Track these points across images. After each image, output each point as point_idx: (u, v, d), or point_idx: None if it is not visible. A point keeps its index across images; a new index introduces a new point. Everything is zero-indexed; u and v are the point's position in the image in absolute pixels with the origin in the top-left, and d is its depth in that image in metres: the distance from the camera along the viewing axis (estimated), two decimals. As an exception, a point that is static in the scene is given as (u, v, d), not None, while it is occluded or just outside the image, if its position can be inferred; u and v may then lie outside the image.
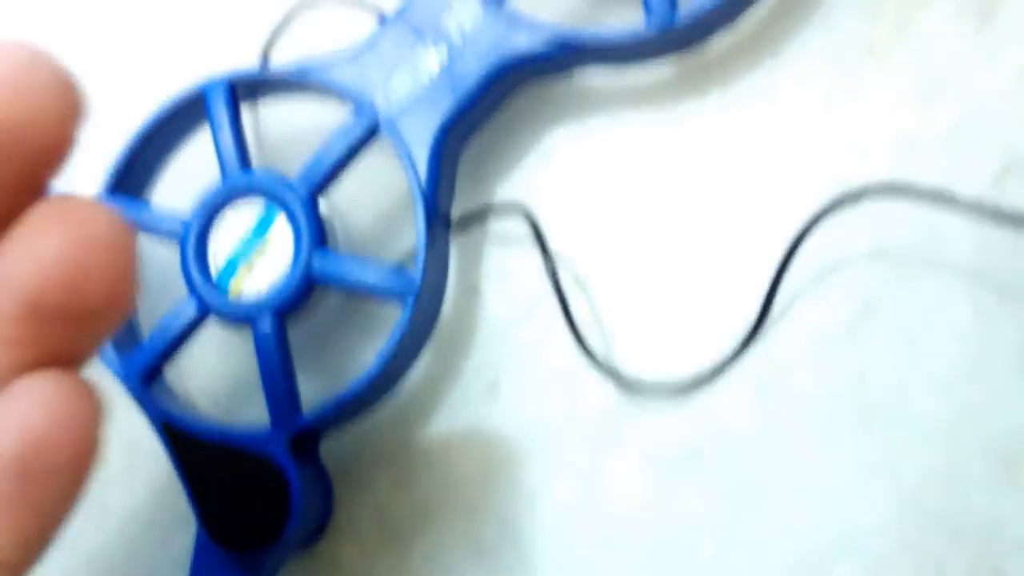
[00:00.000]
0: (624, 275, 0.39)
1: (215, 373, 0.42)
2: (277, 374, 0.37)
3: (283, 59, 0.43)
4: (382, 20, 0.39)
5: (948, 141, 0.36)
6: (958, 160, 0.36)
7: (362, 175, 0.40)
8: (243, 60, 0.43)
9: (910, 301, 0.36)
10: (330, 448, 0.39)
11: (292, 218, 0.38)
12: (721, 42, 0.39)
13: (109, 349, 0.38)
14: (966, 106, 0.36)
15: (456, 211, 0.40)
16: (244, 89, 0.40)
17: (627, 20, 0.37)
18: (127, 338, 0.39)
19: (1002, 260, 0.35)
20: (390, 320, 0.37)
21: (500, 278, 0.40)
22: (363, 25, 0.40)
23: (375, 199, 0.42)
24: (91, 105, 0.21)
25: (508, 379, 0.39)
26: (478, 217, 0.40)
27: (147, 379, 0.38)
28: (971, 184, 0.36)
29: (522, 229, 0.39)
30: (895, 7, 0.37)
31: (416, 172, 0.37)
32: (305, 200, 0.38)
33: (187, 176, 0.41)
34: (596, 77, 0.40)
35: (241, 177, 0.38)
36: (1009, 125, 0.36)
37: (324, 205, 0.39)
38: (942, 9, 0.37)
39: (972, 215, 0.34)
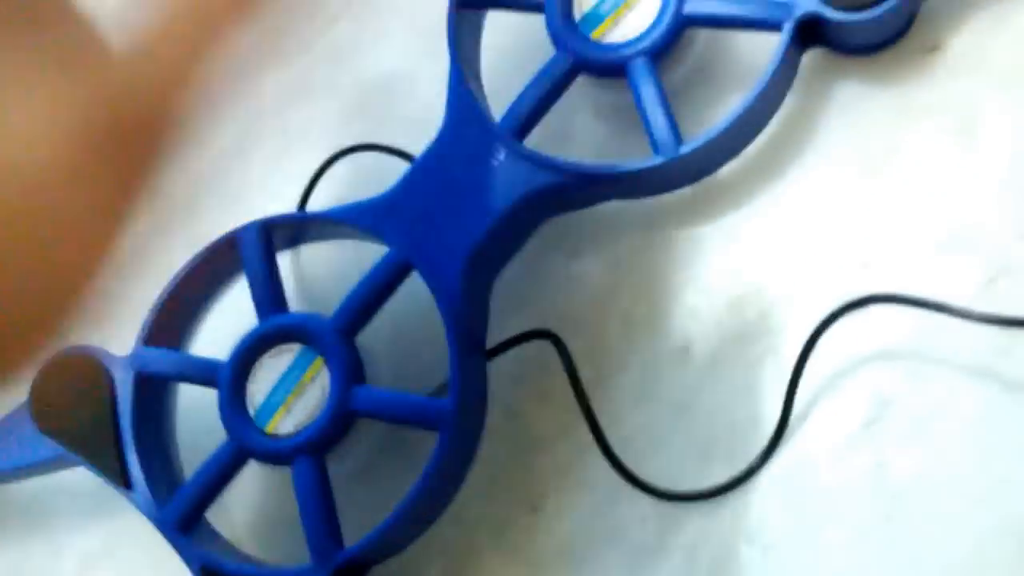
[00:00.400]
0: (654, 390, 0.41)
1: (259, 510, 0.42)
2: (316, 511, 0.38)
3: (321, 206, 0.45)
4: (412, 164, 0.42)
5: (942, 252, 0.39)
6: (952, 267, 0.38)
7: (401, 307, 0.41)
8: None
9: (919, 398, 0.38)
10: (379, 578, 0.40)
11: (328, 358, 0.39)
12: (730, 168, 0.41)
13: (148, 496, 0.39)
14: (954, 219, 0.39)
15: (491, 339, 0.42)
16: (281, 234, 0.42)
17: (638, 155, 0.40)
18: (166, 485, 0.40)
19: (1001, 357, 0.37)
20: (430, 449, 0.38)
21: (539, 399, 0.42)
22: (396, 170, 0.42)
23: (414, 331, 0.43)
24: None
25: (551, 499, 0.41)
26: (511, 344, 0.41)
27: (186, 525, 0.39)
28: (966, 288, 0.38)
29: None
30: (884, 132, 0.40)
31: (447, 305, 0.39)
32: (340, 338, 0.39)
33: (225, 322, 0.42)
34: (618, 206, 0.42)
35: (277, 319, 0.40)
36: (995, 235, 0.38)
37: (361, 341, 0.41)
38: (925, 129, 0.40)
39: (966, 320, 0.36)
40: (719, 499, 0.39)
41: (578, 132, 0.44)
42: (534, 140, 0.42)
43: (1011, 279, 0.38)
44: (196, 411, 0.42)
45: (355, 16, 0.50)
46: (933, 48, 0.41)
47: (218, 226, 0.43)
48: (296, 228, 0.42)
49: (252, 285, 0.41)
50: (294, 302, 0.44)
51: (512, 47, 0.45)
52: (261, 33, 0.52)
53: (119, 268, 0.49)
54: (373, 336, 0.42)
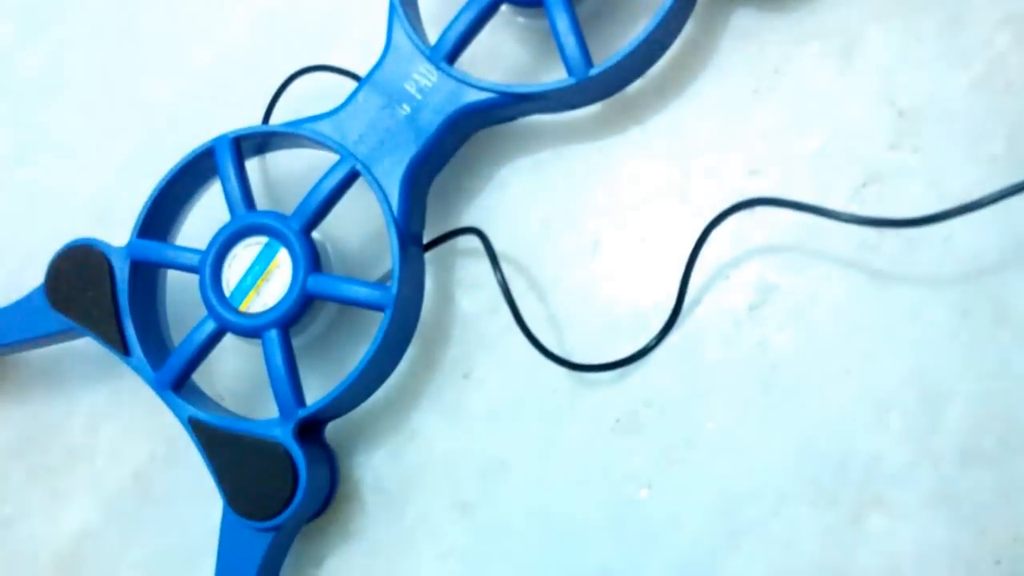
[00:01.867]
0: (568, 278, 0.48)
1: (236, 375, 0.51)
2: (283, 376, 0.46)
3: (283, 119, 0.52)
4: (357, 84, 0.48)
5: (820, 160, 0.45)
6: (829, 174, 0.45)
7: (351, 207, 0.48)
8: (250, 122, 0.52)
9: (797, 286, 0.45)
10: (335, 431, 0.48)
11: (290, 249, 0.46)
12: (635, 88, 0.47)
13: (143, 361, 0.47)
14: (832, 131, 0.45)
15: (428, 234, 0.49)
16: (248, 144, 0.49)
17: (555, 76, 0.46)
18: (158, 353, 0.48)
19: (869, 251, 0.44)
20: (377, 326, 0.45)
21: (470, 286, 0.49)
22: (345, 90, 0.49)
23: (362, 227, 0.51)
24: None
25: (480, 368, 0.48)
26: (444, 239, 0.48)
27: (176, 385, 0.47)
28: (842, 191, 0.44)
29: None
30: (773, 55, 0.46)
31: (389, 206, 0.46)
32: (299, 233, 0.47)
33: (205, 218, 0.50)
34: (539, 119, 0.49)
35: (247, 217, 0.47)
36: (868, 145, 0.44)
37: (317, 235, 0.48)
38: (810, 52, 0.46)
39: (837, 220, 0.43)
40: (622, 370, 0.46)
41: (504, 54, 0.50)
42: (466, 61, 0.48)
43: (881, 184, 0.44)
44: (182, 291, 0.50)
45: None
46: (820, -24, 0.46)
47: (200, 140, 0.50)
48: (261, 139, 0.49)
49: (225, 187, 0.48)
50: (261, 200, 0.51)
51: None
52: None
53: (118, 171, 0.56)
54: (328, 231, 0.49)
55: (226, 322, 0.47)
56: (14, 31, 0.60)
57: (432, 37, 0.48)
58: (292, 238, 0.47)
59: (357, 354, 0.47)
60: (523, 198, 0.49)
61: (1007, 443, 0.40)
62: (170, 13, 0.57)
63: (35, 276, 0.50)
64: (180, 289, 0.50)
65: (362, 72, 0.48)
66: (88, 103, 0.58)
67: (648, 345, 0.46)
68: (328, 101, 0.48)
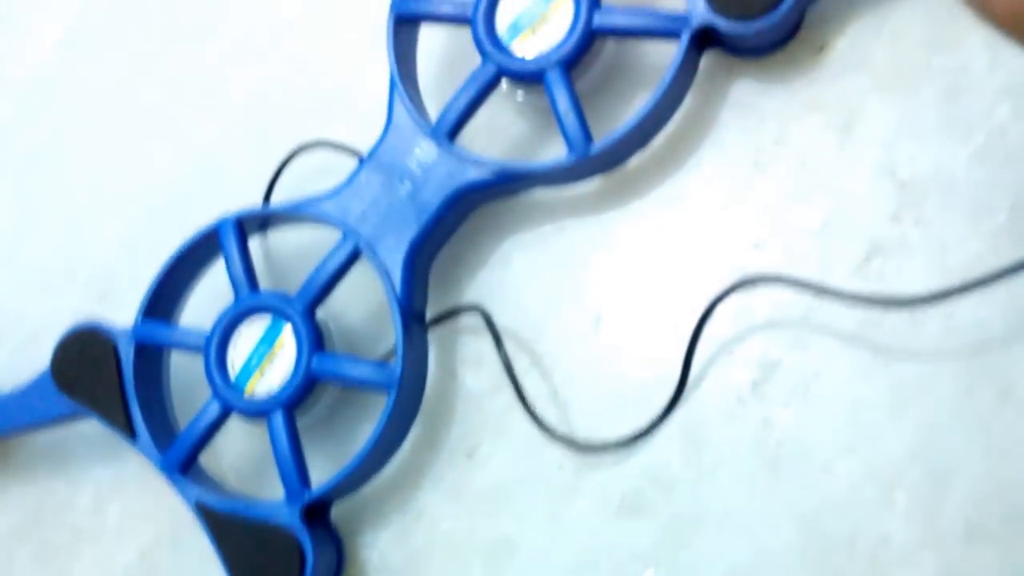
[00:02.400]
0: (571, 354, 0.48)
1: (241, 453, 0.51)
2: (288, 458, 0.46)
3: (285, 195, 0.52)
4: (359, 161, 0.49)
5: (823, 233, 0.45)
6: (832, 247, 0.45)
7: (354, 285, 0.49)
8: (251, 199, 0.53)
9: (800, 362, 0.45)
10: (340, 510, 0.48)
11: (294, 329, 0.47)
12: (636, 160, 0.48)
13: (150, 444, 0.48)
14: (834, 204, 0.45)
15: (431, 310, 0.49)
16: (251, 224, 0.50)
17: (556, 153, 0.46)
18: (164, 435, 0.49)
19: (872, 327, 0.44)
20: (381, 405, 0.46)
21: (473, 363, 0.50)
22: (346, 165, 0.50)
23: (366, 305, 0.51)
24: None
25: (483, 446, 0.49)
26: (447, 316, 0.49)
27: (183, 468, 0.47)
28: (845, 264, 0.45)
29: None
30: (773, 127, 0.47)
31: (392, 285, 0.47)
32: (303, 313, 0.47)
33: (209, 299, 0.50)
34: (541, 193, 0.49)
35: (250, 297, 0.48)
36: (871, 218, 0.45)
37: (321, 312, 0.48)
38: (810, 124, 0.46)
39: (841, 299, 0.43)
40: (627, 447, 0.46)
41: (505, 128, 0.51)
42: (466, 134, 0.49)
43: (884, 257, 0.44)
44: (188, 372, 0.50)
45: (309, 24, 0.56)
46: (820, 48, 0.47)
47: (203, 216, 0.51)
48: (264, 219, 0.50)
49: (229, 269, 0.49)
50: (264, 275, 0.52)
51: (447, 51, 0.52)
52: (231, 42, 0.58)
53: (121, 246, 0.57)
54: (331, 306, 0.50)
55: (231, 404, 0.47)
56: (14, 108, 0.61)
57: (432, 108, 0.49)
58: (296, 319, 0.47)
59: (362, 432, 0.48)
60: (526, 273, 0.49)
61: (1012, 521, 0.40)
62: (169, 88, 0.58)
63: (39, 352, 0.51)
64: (185, 366, 0.50)
65: (362, 146, 0.49)
66: (89, 179, 0.59)
67: (652, 423, 0.46)
68: (330, 175, 0.49)
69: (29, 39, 0.62)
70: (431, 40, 0.51)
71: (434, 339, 0.49)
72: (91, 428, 0.51)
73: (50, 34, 0.62)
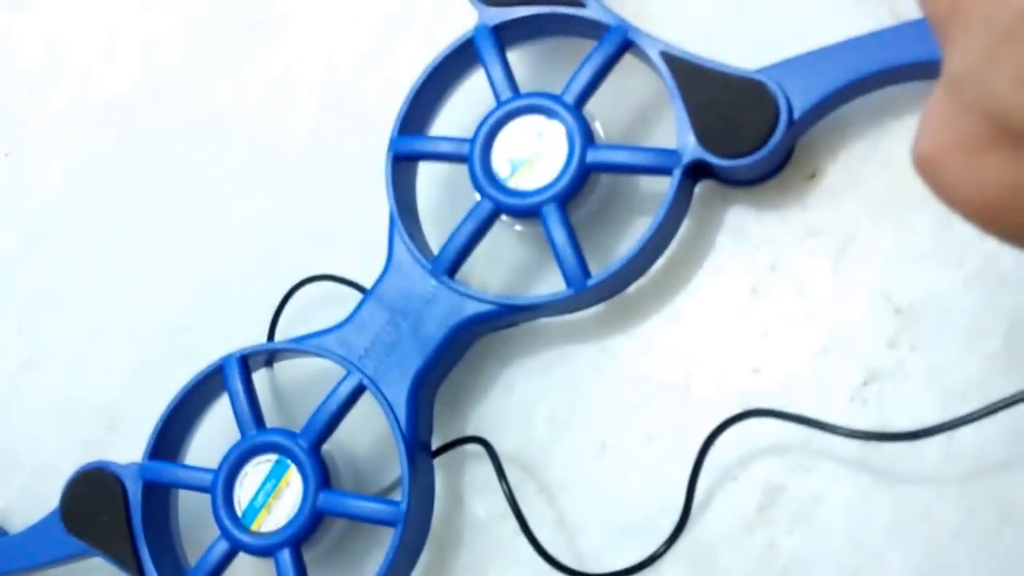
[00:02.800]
0: (576, 480, 0.49)
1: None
2: (297, 596, 0.47)
3: (291, 324, 0.54)
4: (363, 294, 0.50)
5: (821, 359, 0.46)
6: (830, 372, 0.46)
7: (361, 414, 0.50)
8: (257, 329, 0.54)
9: (803, 487, 0.45)
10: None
11: (299, 467, 0.48)
12: (636, 286, 0.49)
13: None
14: (831, 329, 0.46)
15: (437, 437, 0.50)
16: (255, 360, 0.50)
17: (557, 280, 0.47)
18: (172, 569, 0.49)
19: (872, 450, 0.45)
20: (390, 534, 0.46)
21: (480, 490, 0.50)
22: (351, 294, 0.51)
23: (372, 434, 0.52)
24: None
25: (491, 574, 0.49)
26: (451, 447, 0.49)
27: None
28: (844, 390, 0.45)
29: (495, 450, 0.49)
30: (769, 252, 0.48)
31: (397, 420, 0.47)
32: (308, 451, 0.48)
33: (216, 433, 0.51)
34: (543, 320, 0.50)
35: (256, 436, 0.49)
36: (867, 343, 0.46)
37: (327, 446, 0.49)
38: (805, 250, 0.47)
39: (836, 434, 0.44)
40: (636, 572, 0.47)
41: (505, 257, 0.52)
42: (467, 264, 0.50)
43: (881, 382, 0.45)
44: (197, 504, 0.51)
45: (312, 158, 0.58)
46: (812, 175, 0.48)
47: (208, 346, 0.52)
48: (268, 355, 0.51)
49: (234, 406, 0.49)
50: (272, 410, 0.53)
51: (450, 179, 0.53)
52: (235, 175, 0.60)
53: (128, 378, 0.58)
54: (337, 438, 0.50)
55: (239, 543, 0.48)
56: (19, 241, 0.62)
57: (435, 235, 0.50)
58: (301, 457, 0.48)
59: (370, 564, 0.48)
60: (530, 399, 0.50)
61: (1022, 648, 0.41)
62: (175, 220, 0.59)
63: (50, 485, 0.52)
64: (194, 498, 0.51)
65: (366, 277, 0.50)
66: (95, 312, 0.60)
67: (657, 551, 0.46)
68: (333, 305, 0.51)
69: (37, 172, 0.64)
70: (434, 166, 0.52)
71: (441, 466, 0.50)
72: (102, 562, 0.51)
73: (57, 167, 0.63)
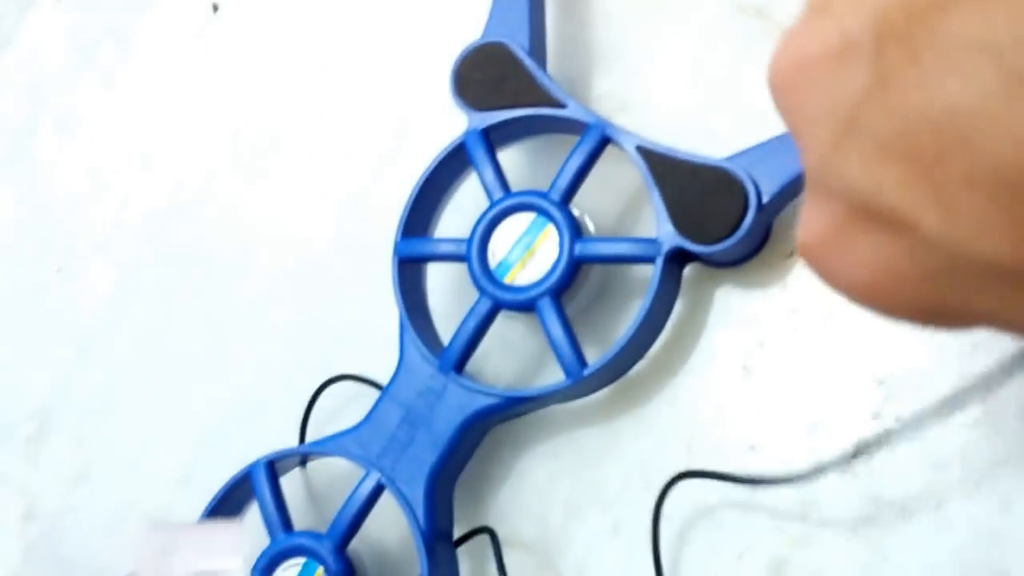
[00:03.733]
0: (593, 564, 0.51)
1: None
2: None
3: (320, 422, 0.57)
4: (378, 397, 0.53)
5: (811, 435, 0.48)
6: (821, 446, 0.48)
7: (385, 509, 0.53)
8: (290, 428, 0.57)
9: (807, 560, 0.47)
10: None
11: (327, 569, 0.51)
12: (637, 369, 0.51)
13: None
14: (819, 404, 0.48)
15: (459, 527, 0.53)
16: (283, 464, 0.54)
17: (558, 374, 0.50)
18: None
19: (866, 524, 0.46)
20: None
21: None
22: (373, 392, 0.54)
23: (397, 528, 0.55)
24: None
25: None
26: (466, 539, 0.52)
27: None
28: (833, 464, 0.47)
29: (514, 538, 0.52)
30: (757, 330, 0.50)
31: (415, 516, 0.50)
32: (334, 552, 0.51)
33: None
34: (552, 408, 0.53)
35: (285, 539, 0.52)
36: (852, 416, 0.47)
37: (354, 543, 0.52)
38: (790, 327, 0.49)
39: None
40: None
41: (516, 342, 0.55)
42: (479, 355, 0.53)
43: (868, 455, 0.46)
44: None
45: (328, 267, 0.62)
46: (790, 253, 0.50)
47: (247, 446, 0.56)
48: (297, 458, 0.54)
49: (262, 511, 0.53)
50: (306, 510, 0.56)
51: (458, 275, 0.56)
52: (261, 285, 0.64)
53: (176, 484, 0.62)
54: (363, 535, 0.53)
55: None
56: (73, 355, 0.67)
57: (447, 330, 0.53)
58: (328, 560, 0.51)
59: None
60: (544, 485, 0.53)
61: None
62: (208, 329, 0.63)
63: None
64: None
65: (384, 376, 0.53)
66: (142, 420, 0.64)
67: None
68: (361, 401, 0.54)
69: (85, 286, 0.68)
70: (445, 264, 0.55)
71: (464, 554, 0.53)
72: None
73: (103, 282, 0.68)
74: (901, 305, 0.29)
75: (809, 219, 0.29)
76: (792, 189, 0.47)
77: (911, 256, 0.27)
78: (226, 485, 0.54)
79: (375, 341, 0.58)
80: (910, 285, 0.27)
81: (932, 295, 0.27)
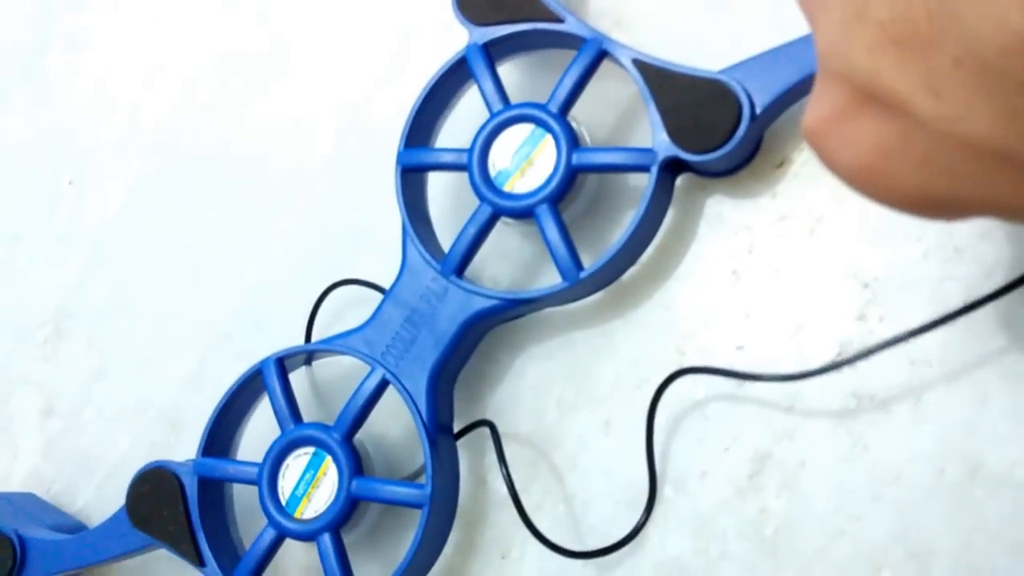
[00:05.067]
0: (585, 458, 0.51)
1: (304, 568, 0.55)
2: (338, 574, 0.50)
3: (325, 324, 0.57)
4: (382, 298, 0.52)
5: (797, 335, 0.48)
6: (806, 346, 0.47)
7: (390, 405, 0.52)
8: (296, 330, 0.57)
9: (789, 453, 0.47)
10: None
11: (335, 457, 0.51)
12: (630, 274, 0.51)
13: (216, 571, 0.51)
14: (805, 306, 0.48)
15: (458, 421, 0.52)
16: (293, 361, 0.54)
17: (557, 277, 0.50)
18: (230, 561, 0.53)
19: (849, 418, 0.46)
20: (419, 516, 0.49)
21: (499, 469, 0.53)
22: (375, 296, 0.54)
23: (401, 422, 0.55)
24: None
25: (515, 548, 0.52)
26: (466, 431, 0.52)
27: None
28: (820, 360, 0.47)
29: (511, 432, 0.52)
30: (746, 237, 0.49)
31: (418, 410, 0.50)
32: (341, 443, 0.51)
33: (263, 429, 0.54)
34: (547, 311, 0.52)
35: (294, 431, 0.52)
36: (838, 316, 0.47)
37: (360, 434, 0.52)
38: (777, 233, 0.49)
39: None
40: (639, 539, 0.49)
41: (511, 251, 0.54)
42: (478, 261, 0.52)
43: (852, 351, 0.47)
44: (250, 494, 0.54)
45: (333, 174, 0.61)
46: (780, 163, 0.49)
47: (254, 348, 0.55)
48: (304, 356, 0.54)
49: (273, 404, 0.53)
50: (312, 406, 0.56)
51: (458, 184, 0.55)
52: (268, 192, 0.63)
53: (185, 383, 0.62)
54: (369, 428, 0.53)
55: (284, 529, 0.51)
56: (84, 262, 0.66)
57: (447, 238, 0.53)
58: (336, 447, 0.51)
59: (404, 544, 0.51)
60: (539, 384, 0.53)
61: (989, 594, 0.42)
62: (216, 236, 0.63)
63: (120, 485, 0.55)
64: (247, 490, 0.54)
65: (386, 281, 0.53)
66: (154, 322, 0.63)
67: (639, 524, 0.49)
68: (362, 306, 0.54)
69: (97, 197, 0.67)
70: (444, 175, 0.54)
71: (464, 448, 0.53)
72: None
73: (114, 192, 0.67)
74: (896, 190, 0.29)
75: (816, 102, 0.29)
76: (784, 101, 0.47)
77: (906, 140, 0.27)
78: (239, 380, 0.53)
79: (376, 249, 0.57)
80: (905, 169, 0.28)
81: (926, 180, 0.28)
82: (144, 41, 0.69)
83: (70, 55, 0.71)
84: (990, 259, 0.45)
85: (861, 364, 0.46)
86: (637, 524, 0.48)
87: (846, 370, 0.47)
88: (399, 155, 0.53)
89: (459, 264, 0.51)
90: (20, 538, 0.57)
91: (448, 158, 0.52)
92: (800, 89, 0.46)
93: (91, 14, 0.71)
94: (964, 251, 0.45)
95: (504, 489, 0.52)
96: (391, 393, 0.52)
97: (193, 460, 0.54)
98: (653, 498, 0.48)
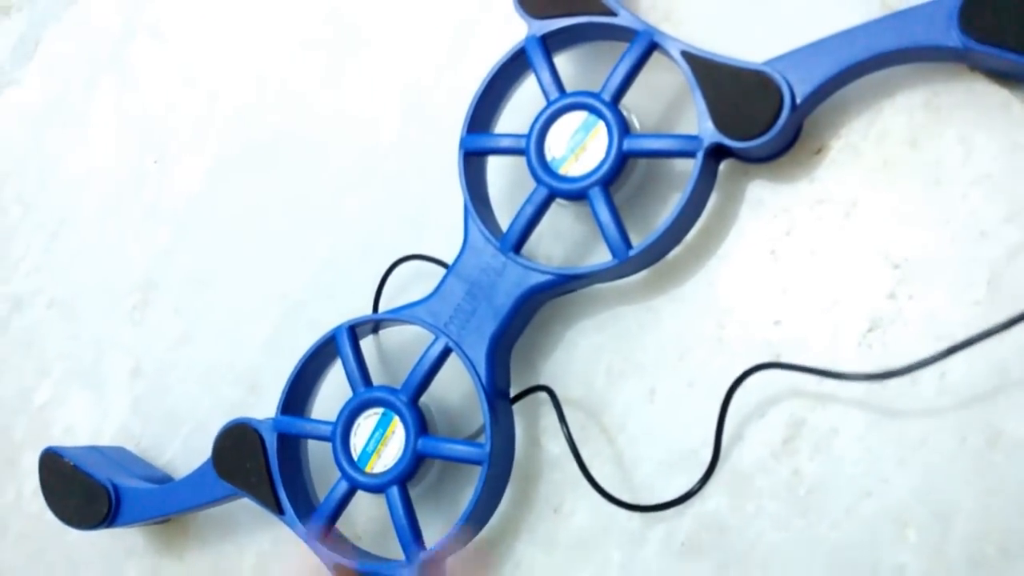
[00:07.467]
0: (632, 422, 0.52)
1: (371, 517, 0.57)
2: (405, 525, 0.52)
3: (391, 297, 0.58)
4: (446, 270, 0.54)
5: (831, 310, 0.49)
6: (839, 322, 0.48)
7: (452, 371, 0.54)
8: (364, 300, 0.59)
9: (821, 420, 0.48)
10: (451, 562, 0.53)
11: (401, 418, 0.52)
12: (674, 254, 0.52)
13: (294, 518, 0.53)
14: (839, 284, 0.49)
15: (514, 388, 0.54)
16: (363, 329, 0.55)
17: (607, 255, 0.51)
18: (306, 509, 0.54)
19: (879, 388, 0.47)
20: (478, 473, 0.51)
21: (553, 432, 0.54)
22: (437, 270, 0.55)
23: (462, 387, 0.56)
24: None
25: (567, 502, 0.53)
26: (524, 395, 0.53)
27: (321, 536, 0.53)
28: (851, 336, 0.48)
29: (563, 397, 0.53)
30: (784, 220, 0.50)
31: (478, 375, 0.52)
32: (408, 404, 0.52)
33: (336, 391, 0.56)
34: (598, 286, 0.54)
35: (365, 392, 0.53)
36: (870, 295, 0.48)
37: (425, 398, 0.54)
38: (814, 216, 0.50)
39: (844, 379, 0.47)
40: (677, 508, 0.50)
41: (565, 231, 0.55)
42: (534, 239, 0.53)
43: (883, 329, 0.48)
44: (325, 451, 0.56)
45: (401, 154, 0.62)
46: (818, 150, 0.50)
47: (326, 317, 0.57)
48: (372, 324, 0.55)
49: (346, 368, 0.54)
50: (379, 371, 0.58)
51: (517, 168, 0.56)
52: (339, 169, 0.64)
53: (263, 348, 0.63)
54: (432, 392, 0.55)
55: (356, 482, 0.53)
56: (170, 235, 0.68)
57: (504, 217, 0.54)
58: (403, 408, 0.52)
59: (466, 495, 0.53)
60: (589, 354, 0.54)
61: (1007, 551, 0.43)
62: (290, 213, 0.64)
63: (203, 441, 0.58)
64: (322, 448, 0.56)
65: (449, 255, 0.54)
66: (234, 292, 0.65)
67: (692, 489, 0.50)
68: (426, 280, 0.56)
69: (181, 175, 0.69)
70: (503, 160, 0.56)
71: (519, 412, 0.54)
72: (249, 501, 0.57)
73: (196, 171, 0.68)
74: None
75: None
76: (823, 92, 0.48)
77: None
78: (314, 345, 0.55)
79: (438, 227, 0.59)
80: None
81: None
82: (222, 30, 0.70)
83: (154, 44, 0.73)
84: (1014, 241, 0.45)
85: (891, 340, 0.47)
86: (692, 487, 0.49)
87: (876, 345, 0.47)
88: (462, 140, 0.54)
89: (517, 242, 0.52)
90: (115, 487, 0.59)
91: (507, 143, 0.53)
92: (839, 80, 0.47)
93: (173, 4, 0.73)
94: (989, 235, 0.46)
95: (556, 449, 0.54)
96: (452, 360, 0.53)
97: (273, 418, 0.55)
98: (713, 468, 0.49)
